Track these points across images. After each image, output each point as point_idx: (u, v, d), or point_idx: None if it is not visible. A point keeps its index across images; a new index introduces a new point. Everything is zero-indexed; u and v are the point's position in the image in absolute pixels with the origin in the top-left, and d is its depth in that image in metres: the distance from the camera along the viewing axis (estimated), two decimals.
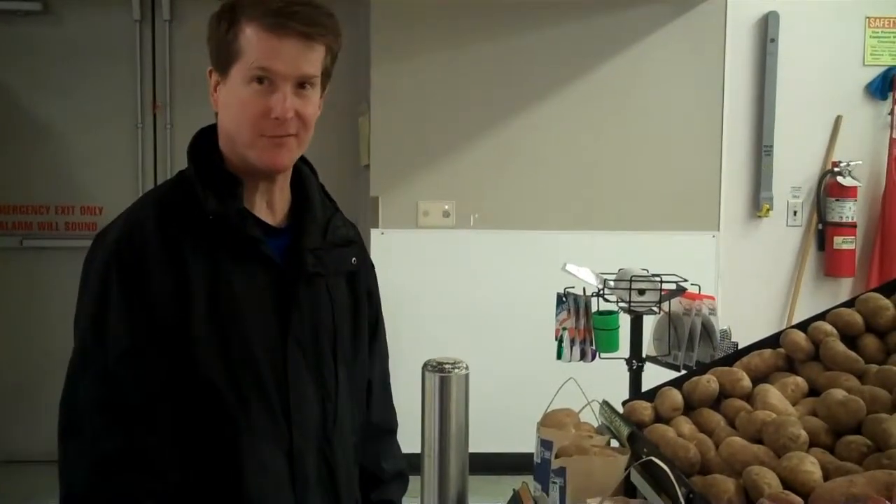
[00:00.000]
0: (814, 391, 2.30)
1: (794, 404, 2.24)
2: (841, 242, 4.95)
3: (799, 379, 2.33)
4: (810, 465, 1.85)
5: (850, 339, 2.39)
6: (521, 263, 4.65)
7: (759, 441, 2.07)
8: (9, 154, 5.07)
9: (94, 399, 1.57)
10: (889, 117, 4.92)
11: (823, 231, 5.00)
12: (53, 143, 5.05)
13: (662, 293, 2.70)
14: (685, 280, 2.74)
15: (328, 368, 1.71)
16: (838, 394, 2.12)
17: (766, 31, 4.83)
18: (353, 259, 1.79)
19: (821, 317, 2.55)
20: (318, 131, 1.74)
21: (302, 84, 1.63)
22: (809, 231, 5.01)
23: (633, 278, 2.70)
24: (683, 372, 2.66)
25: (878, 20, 4.90)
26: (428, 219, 4.65)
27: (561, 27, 4.68)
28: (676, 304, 2.75)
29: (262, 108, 1.60)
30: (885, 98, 4.92)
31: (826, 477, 1.83)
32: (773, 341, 2.56)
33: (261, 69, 1.59)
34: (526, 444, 2.41)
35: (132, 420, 1.56)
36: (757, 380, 2.36)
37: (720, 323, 2.75)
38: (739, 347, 2.83)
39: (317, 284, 1.70)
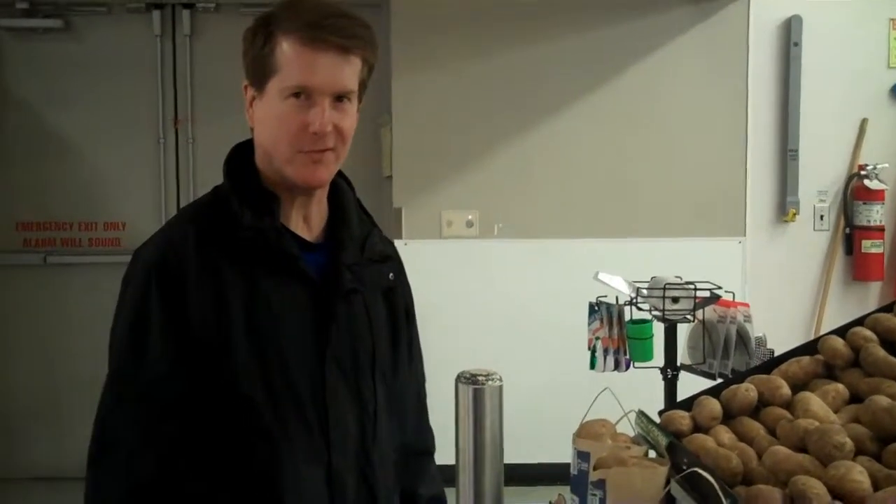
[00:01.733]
0: (855, 398, 2.27)
1: (835, 412, 2.20)
2: (869, 246, 4.90)
3: (840, 386, 2.28)
4: (858, 475, 1.80)
5: (889, 344, 2.35)
6: (547, 272, 4.62)
7: (803, 450, 2.03)
8: (31, 171, 5.08)
9: (128, 423, 1.55)
10: None
11: (851, 235, 4.94)
12: (75, 160, 5.05)
13: (696, 301, 2.67)
14: (719, 287, 2.71)
15: (367, 385, 1.68)
16: (882, 400, 2.07)
17: (790, 34, 4.79)
18: (391, 275, 1.78)
19: (858, 322, 2.50)
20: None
21: (340, 98, 1.61)
22: (837, 235, 4.96)
23: (667, 286, 2.67)
24: (719, 380, 2.61)
25: None
26: (452, 229, 4.63)
27: (581, 34, 4.65)
28: (710, 312, 2.72)
29: (300, 123, 1.58)
30: None
31: (875, 486, 1.79)
32: (810, 348, 2.52)
33: (299, 84, 1.57)
34: (560, 454, 2.38)
35: (168, 446, 1.54)
36: (796, 387, 2.32)
37: (755, 330, 2.71)
38: (775, 355, 2.79)
39: (354, 300, 1.68)
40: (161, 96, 5.02)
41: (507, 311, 4.58)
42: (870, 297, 5.02)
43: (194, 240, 1.58)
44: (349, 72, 1.61)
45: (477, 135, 4.63)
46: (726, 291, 2.73)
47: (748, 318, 2.70)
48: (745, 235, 4.81)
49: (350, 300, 1.67)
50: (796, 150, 4.84)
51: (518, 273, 4.64)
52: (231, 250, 1.58)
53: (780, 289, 4.84)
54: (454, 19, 4.59)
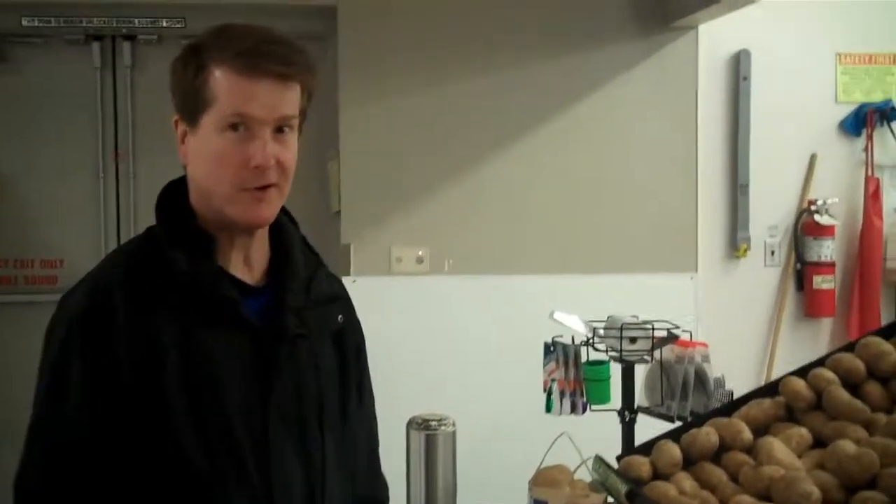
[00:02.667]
0: (819, 442, 2.21)
1: (799, 457, 2.14)
2: (820, 282, 4.88)
3: (803, 430, 2.23)
4: None
5: (851, 386, 2.31)
6: (498, 309, 4.54)
7: (767, 498, 1.97)
8: None
9: (43, 478, 1.44)
10: (864, 154, 4.88)
11: (802, 270, 4.92)
12: (11, 195, 4.88)
13: (654, 341, 2.60)
14: (677, 327, 2.65)
15: (313, 438, 1.58)
16: (848, 446, 2.02)
17: (739, 68, 4.79)
18: (340, 316, 1.68)
19: (819, 363, 2.45)
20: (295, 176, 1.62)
21: (280, 128, 1.52)
22: (788, 271, 4.94)
23: (624, 326, 2.60)
24: (678, 423, 2.55)
25: (848, 56, 4.86)
26: (402, 265, 4.53)
27: (532, 66, 4.59)
28: (668, 352, 2.66)
29: (240, 157, 1.49)
30: (858, 135, 4.87)
31: None
32: (770, 389, 2.47)
33: (236, 115, 1.48)
34: (513, 499, 2.29)
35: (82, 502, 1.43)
36: (757, 431, 2.27)
37: (713, 371, 2.66)
38: (734, 396, 2.73)
39: (300, 346, 1.58)
40: (101, 129, 4.87)
41: (459, 349, 4.49)
42: (821, 333, 5.00)
43: (123, 286, 1.48)
44: (289, 99, 1.53)
45: (427, 168, 4.55)
46: (684, 331, 2.67)
47: (706, 359, 2.64)
48: (696, 271, 4.77)
49: (295, 346, 1.57)
50: (747, 185, 4.82)
51: (470, 310, 4.55)
52: (164, 296, 1.48)
53: (732, 325, 4.81)
54: (403, 51, 4.52)
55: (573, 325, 2.76)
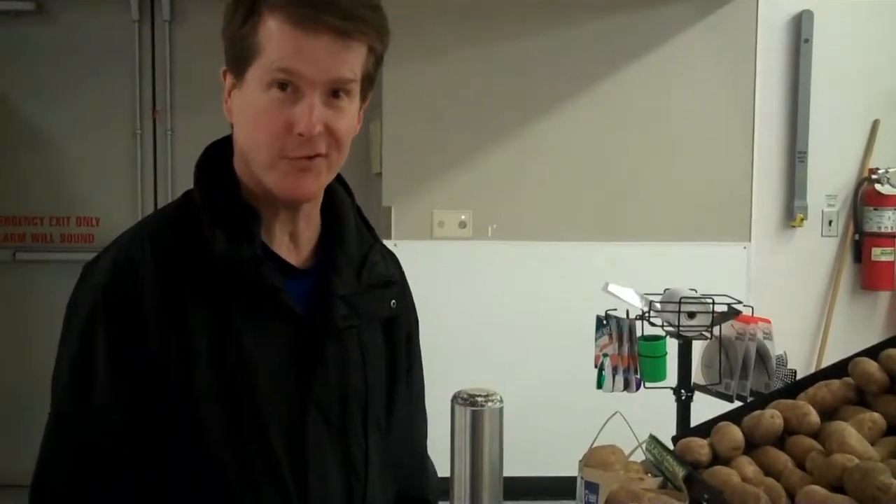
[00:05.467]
0: (892, 428, 2.06)
1: (871, 444, 1.99)
2: (879, 254, 4.70)
3: (876, 415, 2.08)
4: None
5: None
6: (543, 276, 4.42)
7: (839, 489, 1.82)
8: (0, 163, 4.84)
9: (69, 480, 1.30)
10: None
11: (860, 242, 4.74)
12: (47, 151, 4.82)
13: (714, 316, 2.45)
14: (739, 301, 2.49)
15: (356, 438, 1.42)
16: None
17: (800, 30, 4.58)
18: (393, 302, 1.49)
19: (892, 343, 2.30)
20: None
21: (335, 92, 1.31)
22: (845, 242, 4.76)
23: (683, 300, 2.45)
24: (737, 403, 2.40)
25: None
26: (444, 229, 4.42)
27: (583, 27, 4.44)
28: (728, 328, 2.51)
29: (283, 121, 1.29)
30: None
31: None
32: (838, 370, 2.32)
33: (283, 71, 1.28)
34: (558, 468, 2.19)
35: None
36: (824, 414, 2.12)
37: (776, 348, 2.51)
38: (797, 375, 2.59)
39: (348, 338, 1.41)
40: (139, 85, 4.78)
41: (502, 317, 4.38)
42: (879, 307, 4.83)
43: (153, 263, 1.30)
44: (349, 60, 1.31)
45: (471, 131, 4.42)
46: (745, 306, 2.52)
47: (769, 335, 2.49)
48: (750, 241, 4.61)
49: (342, 338, 1.40)
50: (805, 153, 4.64)
51: (514, 277, 4.43)
52: (198, 277, 1.31)
53: (786, 297, 4.64)
54: (451, 10, 4.38)
55: (628, 299, 2.61)
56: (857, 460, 1.86)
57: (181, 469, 1.31)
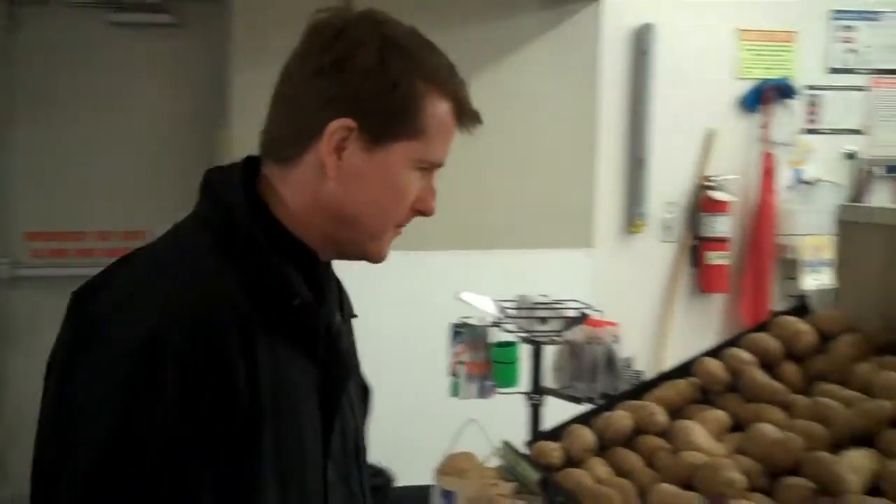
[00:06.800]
0: (735, 425, 2.14)
1: (717, 441, 2.07)
2: (714, 258, 4.87)
3: (721, 413, 2.16)
4: None
5: (767, 366, 2.25)
6: (396, 285, 4.39)
7: (688, 486, 1.88)
8: None
9: None
10: (761, 131, 4.90)
11: (697, 246, 4.91)
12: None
13: (565, 321, 2.50)
14: (589, 306, 2.55)
15: (355, 479, 1.38)
16: (770, 430, 1.95)
17: (641, 43, 4.73)
18: (353, 337, 1.46)
19: (733, 343, 2.39)
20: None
21: None
22: (683, 246, 4.93)
23: (535, 306, 2.49)
24: (587, 406, 2.46)
25: (749, 32, 4.85)
26: None
27: (431, 36, 4.44)
28: (578, 333, 2.56)
29: (416, 199, 1.29)
30: (756, 111, 4.89)
31: None
32: (683, 370, 2.40)
33: (437, 164, 1.29)
34: (414, 477, 2.18)
35: None
36: (671, 413, 2.19)
37: (622, 351, 2.57)
38: (643, 376, 2.66)
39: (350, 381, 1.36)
40: None
41: (359, 327, 4.32)
42: (715, 309, 5.01)
43: (227, 311, 1.16)
44: None
45: None
46: (595, 310, 2.58)
47: (616, 339, 2.56)
48: (593, 247, 4.71)
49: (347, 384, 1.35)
50: (646, 160, 4.78)
51: (366, 287, 4.37)
52: (265, 325, 1.19)
53: (628, 301, 4.75)
54: (301, 15, 4.30)
55: (482, 306, 2.64)
56: (703, 457, 1.92)
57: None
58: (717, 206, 4.84)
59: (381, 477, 1.66)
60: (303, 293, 1.22)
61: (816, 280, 4.79)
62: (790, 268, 5.01)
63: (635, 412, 2.19)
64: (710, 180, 4.85)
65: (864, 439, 1.85)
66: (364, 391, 1.47)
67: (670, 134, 4.80)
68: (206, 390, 1.12)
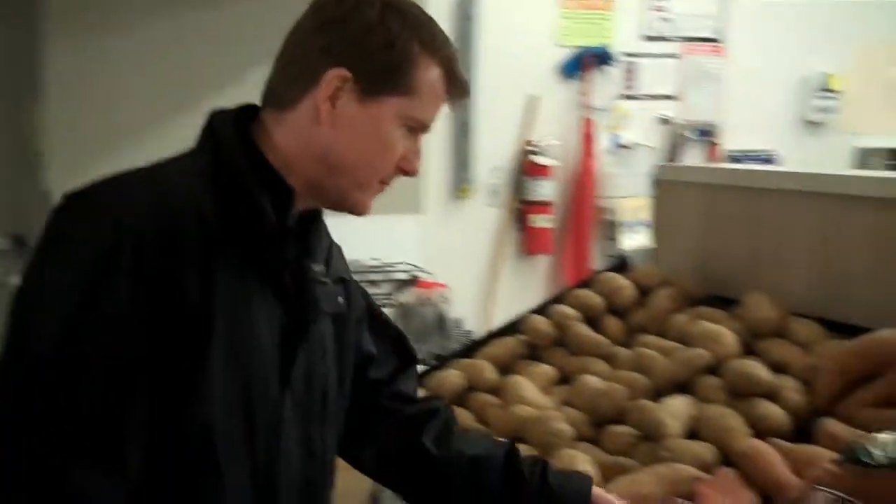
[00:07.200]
0: (562, 379, 2.21)
1: (545, 394, 2.13)
2: (538, 221, 4.99)
3: (547, 367, 2.23)
4: (584, 464, 1.72)
5: (591, 321, 2.33)
6: None
7: (519, 439, 1.93)
8: None
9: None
10: (581, 97, 5.03)
11: (522, 210, 5.03)
12: None
13: (396, 284, 2.51)
14: (419, 268, 2.57)
15: (316, 427, 1.40)
16: (594, 381, 2.02)
17: (465, 9, 4.76)
18: (341, 299, 1.48)
19: (559, 300, 2.47)
20: None
21: None
22: (509, 210, 5.03)
23: (367, 269, 2.49)
24: (420, 366, 2.48)
25: (569, 1, 4.97)
26: None
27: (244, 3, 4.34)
28: (408, 295, 2.58)
29: (402, 156, 1.35)
30: (576, 78, 5.03)
31: (601, 474, 1.71)
32: (511, 328, 2.46)
33: (424, 124, 1.36)
34: None
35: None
36: (502, 370, 2.25)
37: (452, 312, 2.61)
38: (473, 336, 2.71)
39: (316, 326, 1.39)
40: None
41: None
42: (540, 270, 5.14)
43: (194, 219, 1.23)
44: None
45: (139, 111, 4.20)
46: (425, 272, 2.60)
47: (446, 301, 2.59)
48: (422, 212, 4.75)
49: (316, 324, 1.39)
50: (471, 126, 4.84)
51: None
52: (231, 244, 1.26)
53: (457, 265, 4.80)
54: None
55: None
56: (532, 411, 1.98)
57: (173, 433, 1.23)
58: (540, 171, 4.95)
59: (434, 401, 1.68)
60: (273, 221, 1.28)
61: (635, 240, 4.98)
62: (610, 229, 5.20)
63: (466, 371, 2.23)
64: (533, 145, 4.96)
65: (682, 387, 1.94)
66: (340, 350, 1.48)
67: (495, 100, 4.87)
68: (161, 277, 1.18)
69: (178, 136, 1.45)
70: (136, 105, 4.19)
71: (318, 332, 1.40)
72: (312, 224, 1.41)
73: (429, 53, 1.32)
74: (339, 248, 1.54)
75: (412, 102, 1.33)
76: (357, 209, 1.38)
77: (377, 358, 1.60)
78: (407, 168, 1.37)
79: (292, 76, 1.34)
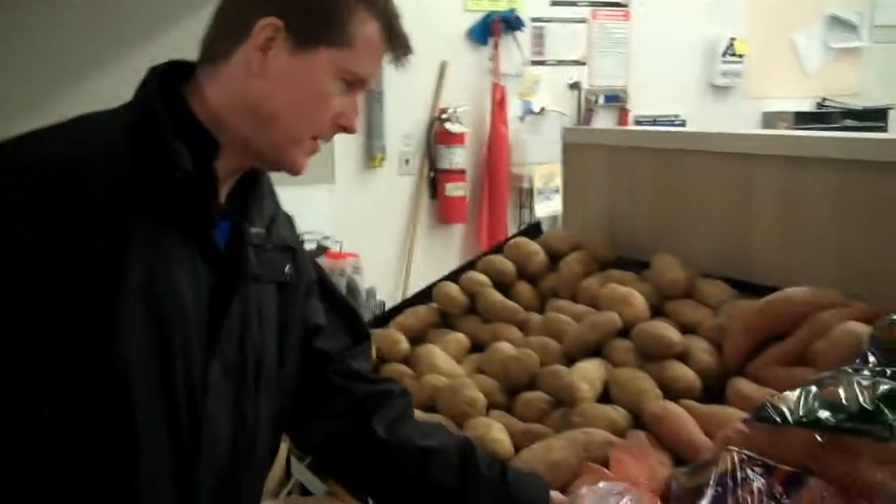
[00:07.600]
0: (475, 346, 2.19)
1: (458, 363, 2.11)
2: (452, 189, 4.97)
3: (460, 335, 2.21)
4: (498, 433, 1.71)
5: (503, 287, 2.31)
6: None
7: (432, 409, 1.91)
8: None
9: None
10: (491, 63, 5.01)
11: (435, 178, 5.00)
12: None
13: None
14: (327, 237, 2.52)
15: (248, 395, 1.35)
16: (507, 348, 2.01)
17: None
18: (288, 267, 1.42)
19: (471, 266, 2.45)
20: None
21: None
22: (422, 179, 4.99)
23: None
24: None
25: None
26: None
27: None
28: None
29: (337, 111, 1.31)
30: (486, 44, 5.00)
31: (515, 442, 1.70)
32: (424, 297, 2.43)
33: (361, 78, 1.31)
34: None
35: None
36: (414, 340, 2.22)
37: (365, 281, 2.57)
38: (386, 307, 2.67)
39: (250, 291, 1.34)
40: None
41: None
42: (454, 238, 5.13)
43: (106, 167, 1.19)
44: None
45: (17, 93, 4.03)
46: (335, 242, 2.55)
47: (357, 270, 2.55)
48: (334, 182, 4.69)
49: (248, 290, 1.34)
50: (381, 93, 4.78)
51: None
52: (146, 195, 1.21)
53: (371, 234, 4.77)
54: None
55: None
56: (445, 380, 1.96)
57: (83, 393, 1.19)
58: (452, 138, 4.93)
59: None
60: (186, 169, 1.24)
61: (549, 207, 5.00)
62: (524, 196, 5.20)
63: (379, 342, 2.20)
64: (444, 112, 4.92)
65: (594, 351, 1.94)
66: (283, 322, 1.43)
67: (405, 67, 4.80)
68: (66, 223, 1.16)
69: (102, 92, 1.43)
70: (7, 91, 4.02)
71: (257, 299, 1.36)
72: (252, 186, 1.37)
73: (366, 6, 1.29)
74: (287, 217, 1.50)
75: (348, 55, 1.29)
76: (291, 167, 1.33)
77: (326, 329, 1.54)
78: (345, 124, 1.33)
79: (225, 28, 1.31)
